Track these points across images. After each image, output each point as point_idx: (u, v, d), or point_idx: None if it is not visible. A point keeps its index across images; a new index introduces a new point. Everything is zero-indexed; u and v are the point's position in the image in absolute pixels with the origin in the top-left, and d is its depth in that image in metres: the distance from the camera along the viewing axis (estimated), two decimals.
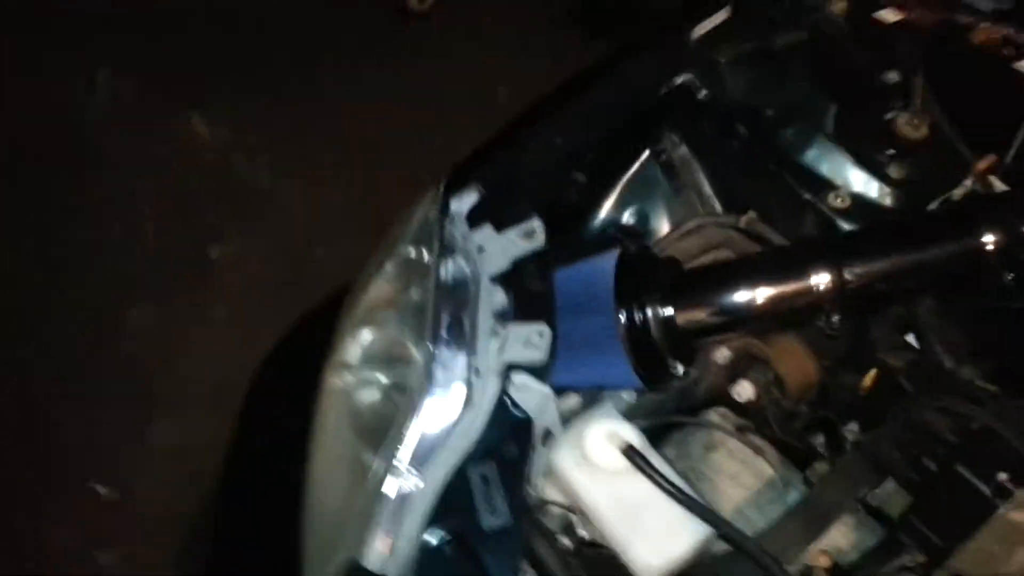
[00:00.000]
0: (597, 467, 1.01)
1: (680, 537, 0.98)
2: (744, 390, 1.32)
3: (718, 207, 1.46)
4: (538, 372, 1.11)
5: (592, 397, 1.29)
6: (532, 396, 1.08)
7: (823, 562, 1.18)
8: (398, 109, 2.91)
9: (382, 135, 2.84)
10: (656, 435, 1.35)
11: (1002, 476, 0.95)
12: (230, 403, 1.56)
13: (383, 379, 1.15)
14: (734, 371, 1.35)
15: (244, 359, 1.63)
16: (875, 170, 1.31)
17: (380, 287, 1.24)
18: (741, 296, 1.15)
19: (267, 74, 2.97)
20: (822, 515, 1.15)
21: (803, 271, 1.12)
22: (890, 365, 1.27)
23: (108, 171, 2.75)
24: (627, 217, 1.48)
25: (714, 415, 1.39)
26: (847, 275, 1.10)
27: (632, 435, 1.03)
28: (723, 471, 1.33)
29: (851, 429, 1.29)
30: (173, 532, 1.91)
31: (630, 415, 1.28)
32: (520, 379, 1.08)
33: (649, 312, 1.18)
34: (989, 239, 1.08)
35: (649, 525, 0.98)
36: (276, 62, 3.02)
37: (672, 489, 0.97)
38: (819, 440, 1.41)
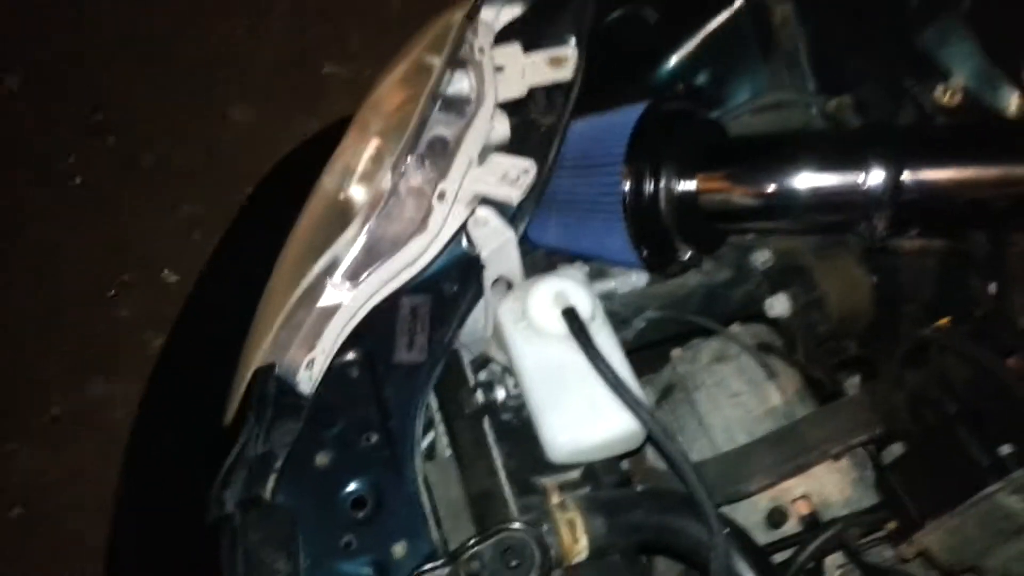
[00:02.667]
0: (535, 327, 0.88)
1: (601, 422, 0.84)
2: (779, 304, 1.12)
3: (812, 84, 1.22)
4: (509, 213, 0.98)
5: (600, 271, 1.14)
6: (491, 235, 0.96)
7: (801, 508, 1.02)
8: None
9: None
10: (676, 337, 1.21)
11: (1005, 449, 0.74)
12: None
13: (360, 186, 1.06)
14: (775, 281, 1.15)
15: None
16: (1008, 67, 1.02)
17: (385, 90, 1.13)
18: (771, 178, 0.94)
19: None
20: (803, 450, 0.97)
21: (853, 162, 0.90)
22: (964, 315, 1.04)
23: None
24: (701, 77, 1.26)
25: (737, 326, 1.21)
26: (905, 176, 0.88)
27: (583, 300, 0.88)
28: (726, 386, 1.16)
29: None
30: None
31: (638, 301, 1.13)
32: (483, 213, 0.96)
33: (662, 181, 1.00)
34: None
35: (572, 401, 0.85)
36: None
37: (604, 368, 0.82)
38: (855, 382, 1.22)
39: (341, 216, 1.01)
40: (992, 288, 1.04)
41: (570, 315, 0.86)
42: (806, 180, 0.94)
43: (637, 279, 1.13)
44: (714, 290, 1.15)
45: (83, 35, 2.65)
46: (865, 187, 0.89)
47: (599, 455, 0.85)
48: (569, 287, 0.90)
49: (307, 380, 0.94)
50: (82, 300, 2.25)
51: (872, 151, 0.89)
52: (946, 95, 1.04)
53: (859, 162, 0.90)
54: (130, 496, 1.24)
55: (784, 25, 1.21)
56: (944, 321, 1.06)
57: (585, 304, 0.88)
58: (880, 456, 1.05)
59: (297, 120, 2.50)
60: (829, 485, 1.05)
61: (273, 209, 1.31)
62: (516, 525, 0.77)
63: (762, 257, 1.14)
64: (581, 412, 0.84)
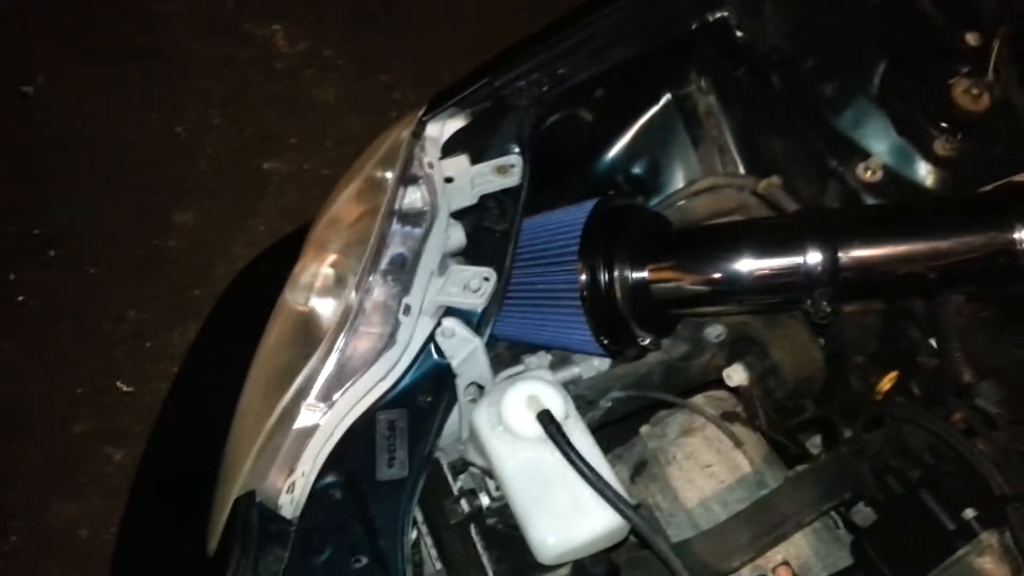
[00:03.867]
0: (512, 432, 0.91)
1: (586, 522, 0.87)
2: (736, 374, 1.17)
3: (740, 167, 1.30)
4: (474, 320, 1.01)
5: (563, 358, 1.19)
6: (459, 345, 0.99)
7: (783, 574, 1.06)
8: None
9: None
10: (641, 412, 1.25)
11: (969, 513, 0.79)
12: None
13: (326, 305, 1.08)
14: (731, 352, 1.21)
15: None
16: (919, 143, 1.12)
17: (341, 207, 1.16)
18: (717, 266, 1.01)
19: None
20: (778, 523, 1.01)
21: (793, 246, 0.97)
22: (915, 370, 1.10)
23: (180, 68, 2.77)
24: (637, 167, 1.33)
25: (700, 398, 1.26)
26: (842, 257, 0.94)
27: (555, 401, 0.92)
28: (696, 459, 1.20)
29: None
30: None
31: (602, 384, 1.17)
32: (449, 324, 0.99)
33: (616, 272, 1.06)
34: (1022, 235, 0.89)
35: (556, 502, 0.88)
36: None
37: (583, 467, 0.86)
38: (817, 441, 1.27)
39: (309, 337, 1.03)
40: (933, 343, 1.12)
41: (545, 418, 0.89)
42: (750, 266, 1.00)
43: (600, 363, 1.17)
44: (673, 365, 1.20)
45: (18, 148, 2.63)
46: (804, 269, 0.96)
47: (587, 552, 0.88)
48: (540, 389, 0.93)
49: (289, 504, 0.95)
50: (37, 419, 2.20)
51: (808, 235, 0.96)
52: (867, 172, 1.13)
53: (797, 246, 0.96)
54: None
55: (709, 115, 1.30)
56: (892, 376, 1.13)
57: (557, 404, 0.92)
58: (849, 513, 1.11)
59: (240, 219, 2.52)
60: (806, 548, 1.09)
61: (239, 321, 1.33)
62: None
63: (715, 331, 1.20)
64: (567, 513, 0.87)
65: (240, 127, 2.73)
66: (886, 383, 1.12)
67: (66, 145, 2.63)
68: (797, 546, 1.09)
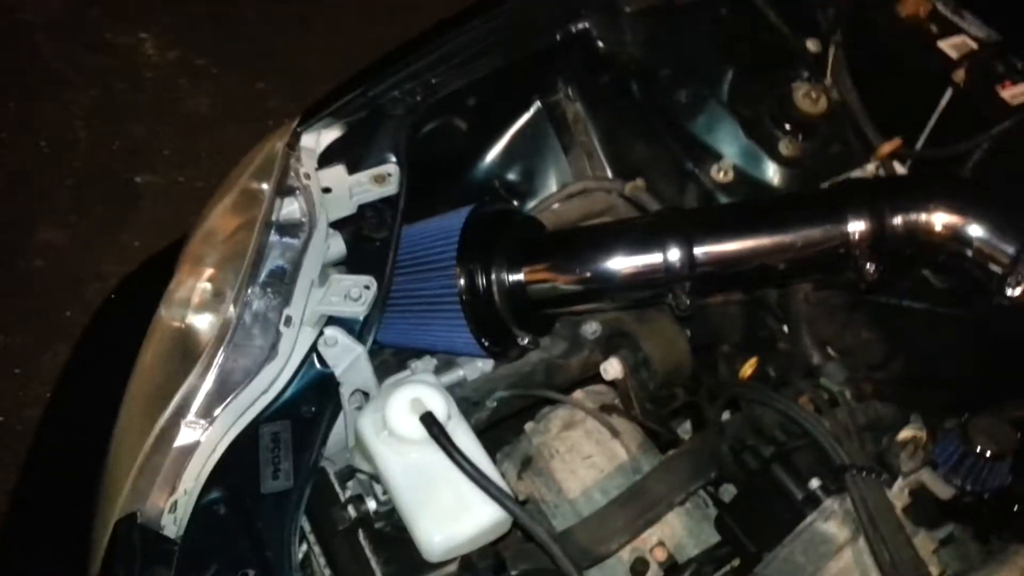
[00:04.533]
0: (397, 435, 0.93)
1: (470, 517, 0.90)
2: (611, 368, 1.23)
3: (608, 171, 1.36)
4: (356, 328, 1.03)
5: (448, 362, 1.22)
6: (342, 353, 1.00)
7: (659, 555, 1.12)
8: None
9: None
10: (527, 410, 1.29)
11: (814, 483, 0.87)
12: None
13: (204, 320, 1.07)
14: (607, 347, 1.27)
15: None
16: (765, 144, 1.21)
17: (216, 220, 1.15)
18: (586, 266, 1.06)
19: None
20: (651, 505, 1.07)
21: (653, 245, 1.03)
22: (774, 355, 1.19)
23: (40, 80, 2.65)
24: (512, 173, 1.38)
25: (580, 392, 1.32)
26: (697, 253, 1.01)
27: (437, 403, 0.95)
28: (577, 451, 1.25)
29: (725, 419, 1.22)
30: None
31: (487, 385, 1.21)
32: (331, 333, 1.00)
33: (493, 276, 1.10)
34: (854, 227, 0.99)
35: (440, 501, 0.90)
36: None
37: (465, 465, 0.89)
38: (687, 427, 1.35)
39: (187, 353, 1.02)
40: (785, 329, 1.21)
41: (428, 420, 0.92)
42: (617, 264, 1.06)
43: (484, 364, 1.21)
44: (553, 363, 1.25)
45: None
46: (665, 265, 1.02)
47: (473, 547, 0.91)
48: (423, 392, 0.96)
49: (172, 524, 0.94)
50: None
51: (667, 234, 1.03)
52: (720, 173, 1.21)
53: (658, 245, 1.03)
54: None
55: (577, 121, 1.36)
56: (752, 361, 1.21)
57: (440, 406, 0.95)
58: (717, 493, 1.18)
59: (111, 235, 2.43)
60: (679, 528, 1.16)
61: (114, 340, 1.29)
62: None
63: (591, 328, 1.25)
64: (451, 510, 0.90)
65: (108, 140, 2.63)
66: (747, 368, 1.21)
67: None
68: (671, 526, 1.15)
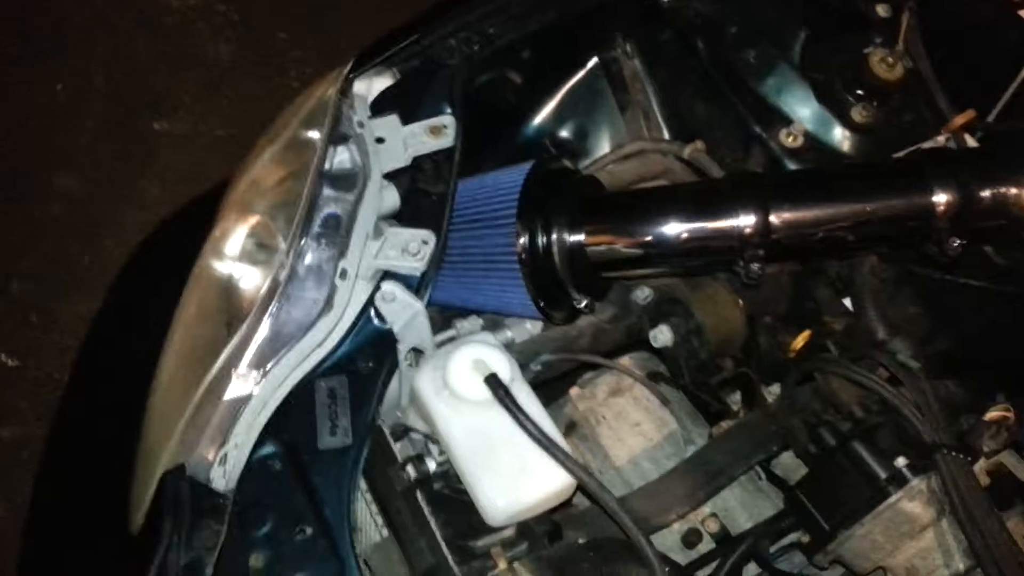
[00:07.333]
0: (458, 396, 0.90)
1: (535, 482, 0.87)
2: (661, 335, 1.20)
3: (665, 132, 1.32)
4: (414, 284, 0.99)
5: (495, 322, 1.18)
6: (400, 309, 0.96)
7: (711, 526, 1.10)
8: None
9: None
10: (568, 373, 1.26)
11: (900, 461, 0.84)
12: None
13: (252, 270, 1.03)
14: (656, 314, 1.23)
15: None
16: (837, 110, 1.16)
17: (264, 169, 1.11)
18: (654, 229, 1.02)
19: None
20: (711, 476, 1.04)
21: (726, 210, 0.99)
22: (824, 329, 1.16)
23: (56, 27, 2.57)
24: (565, 131, 1.33)
25: (626, 359, 1.29)
26: (773, 219, 0.97)
27: (502, 365, 0.91)
28: (625, 418, 1.23)
29: (773, 391, 1.19)
30: None
31: (534, 347, 1.17)
32: (389, 288, 0.96)
33: (554, 235, 1.05)
34: (940, 199, 0.94)
35: (504, 465, 0.87)
36: None
37: (533, 429, 0.86)
38: (736, 398, 1.32)
39: (237, 303, 0.98)
40: (847, 303, 1.17)
41: (493, 382, 0.89)
42: (686, 229, 1.01)
43: (532, 326, 1.17)
44: (601, 328, 1.22)
45: None
46: (738, 231, 0.98)
47: (535, 512, 0.89)
48: (486, 353, 0.92)
49: (221, 477, 0.91)
50: None
51: (742, 199, 0.98)
52: (789, 138, 1.16)
53: (731, 209, 0.99)
54: None
55: (635, 79, 1.31)
56: (805, 334, 1.18)
57: (504, 368, 0.91)
58: (770, 466, 1.16)
59: (129, 184, 2.37)
60: (731, 500, 1.14)
61: (149, 289, 1.26)
62: None
63: (642, 294, 1.22)
64: (515, 475, 0.87)
65: (127, 87, 2.55)
66: (799, 341, 1.17)
67: None
68: (723, 498, 1.13)
